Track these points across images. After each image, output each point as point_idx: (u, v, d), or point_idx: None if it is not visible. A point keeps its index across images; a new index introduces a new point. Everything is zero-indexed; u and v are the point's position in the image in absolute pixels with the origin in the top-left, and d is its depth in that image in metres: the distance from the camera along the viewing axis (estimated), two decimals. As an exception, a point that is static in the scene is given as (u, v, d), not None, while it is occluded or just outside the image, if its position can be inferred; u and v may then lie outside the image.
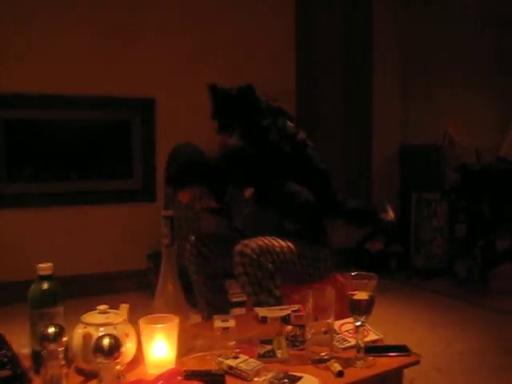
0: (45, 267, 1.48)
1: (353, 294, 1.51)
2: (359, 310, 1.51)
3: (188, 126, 4.22)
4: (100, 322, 1.48)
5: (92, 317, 1.51)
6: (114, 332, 1.42)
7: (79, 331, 1.46)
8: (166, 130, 4.21)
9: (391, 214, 2.43)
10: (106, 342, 1.27)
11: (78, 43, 3.96)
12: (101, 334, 1.40)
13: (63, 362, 1.35)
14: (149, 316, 1.53)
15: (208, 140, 4.16)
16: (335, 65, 4.91)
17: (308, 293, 1.57)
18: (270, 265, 2.18)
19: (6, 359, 1.46)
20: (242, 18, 4.44)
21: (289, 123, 2.39)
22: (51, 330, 1.33)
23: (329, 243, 2.45)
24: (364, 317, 1.52)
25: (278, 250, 2.24)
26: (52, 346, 1.32)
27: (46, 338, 1.32)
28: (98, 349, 1.27)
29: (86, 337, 1.44)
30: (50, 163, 4.01)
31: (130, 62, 4.10)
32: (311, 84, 4.75)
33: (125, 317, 1.56)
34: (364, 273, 1.55)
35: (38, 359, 1.44)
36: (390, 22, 5.00)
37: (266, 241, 2.24)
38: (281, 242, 2.27)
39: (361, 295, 1.50)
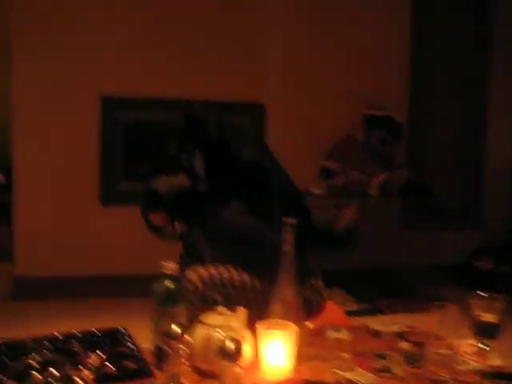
0: (169, 266, 1.53)
1: (480, 316, 1.44)
2: (486, 332, 1.44)
3: (297, 131, 4.24)
4: (219, 323, 1.51)
5: (212, 318, 1.54)
6: (232, 335, 1.44)
7: (199, 331, 1.50)
8: (276, 136, 4.24)
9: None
10: (229, 344, 1.29)
11: (192, 48, 4.09)
12: (217, 335, 1.44)
13: (184, 360, 1.39)
14: (266, 321, 1.53)
15: (319, 142, 4.21)
16: (448, 77, 4.74)
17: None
18: (218, 298, 2.01)
19: (129, 352, 1.53)
20: (356, 28, 4.40)
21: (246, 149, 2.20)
22: (175, 328, 1.37)
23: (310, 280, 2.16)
24: (490, 340, 1.45)
25: (227, 282, 2.04)
26: (175, 344, 1.36)
27: (170, 336, 1.36)
28: (222, 351, 1.29)
29: (206, 338, 1.47)
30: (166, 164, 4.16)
31: (242, 68, 4.17)
32: (424, 96, 4.62)
33: (242, 320, 1.58)
34: (491, 294, 1.48)
35: (159, 355, 1.49)
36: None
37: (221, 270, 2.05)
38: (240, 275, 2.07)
39: (489, 317, 1.43)
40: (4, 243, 3.93)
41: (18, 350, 1.51)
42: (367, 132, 4.22)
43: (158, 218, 2.20)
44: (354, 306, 3.73)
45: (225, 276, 2.04)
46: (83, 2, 3.90)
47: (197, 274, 2.00)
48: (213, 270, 2.04)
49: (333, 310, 2.42)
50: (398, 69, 4.48)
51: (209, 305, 1.91)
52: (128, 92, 3.95)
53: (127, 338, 1.62)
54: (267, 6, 4.19)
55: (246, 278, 2.06)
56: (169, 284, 1.52)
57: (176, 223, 2.17)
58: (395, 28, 4.47)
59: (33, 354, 1.45)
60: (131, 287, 3.87)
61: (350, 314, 3.40)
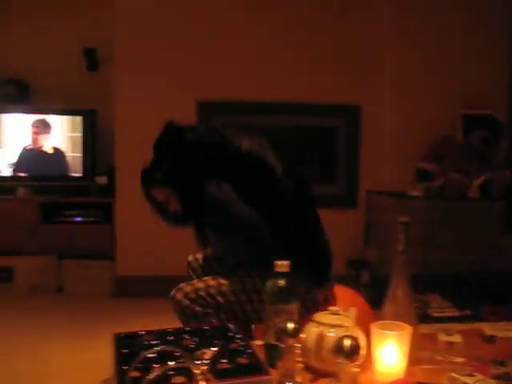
0: (282, 264, 1.54)
1: None
2: None
3: (393, 133, 4.16)
4: (332, 322, 1.50)
5: (324, 317, 1.53)
6: (344, 334, 1.43)
7: (312, 329, 1.49)
8: (371, 138, 4.20)
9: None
10: (347, 343, 1.28)
11: (287, 51, 4.11)
12: (330, 334, 1.43)
13: (299, 358, 1.39)
14: (379, 322, 1.51)
15: (415, 144, 4.12)
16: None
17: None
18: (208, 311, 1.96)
19: (242, 348, 1.54)
20: (458, 27, 4.27)
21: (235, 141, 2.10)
22: (291, 325, 1.37)
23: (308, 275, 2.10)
24: None
25: (214, 291, 1.99)
26: (290, 341, 1.36)
27: (285, 333, 1.37)
28: (339, 349, 1.28)
29: (320, 336, 1.46)
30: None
31: (337, 70, 4.15)
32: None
33: (354, 320, 1.56)
34: None
35: (271, 352, 1.50)
36: None
37: (201, 284, 2.01)
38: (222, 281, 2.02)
39: None
40: (107, 243, 4.09)
41: (136, 342, 1.56)
42: (467, 132, 4.08)
43: (158, 194, 2.20)
44: (455, 313, 3.60)
45: (211, 285, 2.01)
46: (181, 16, 4.02)
47: (182, 293, 1.98)
48: (198, 284, 2.01)
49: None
50: (499, 68, 4.31)
51: (202, 322, 1.93)
52: (224, 96, 4.03)
53: (237, 335, 1.64)
54: (367, 8, 4.15)
55: (235, 281, 2.02)
56: (281, 282, 1.53)
57: (171, 200, 2.16)
58: (496, 27, 4.30)
59: (151, 347, 1.50)
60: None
61: (451, 320, 3.30)
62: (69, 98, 4.31)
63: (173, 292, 2.01)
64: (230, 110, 4.07)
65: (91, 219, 4.16)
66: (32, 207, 4.09)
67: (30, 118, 4.20)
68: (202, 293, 1.98)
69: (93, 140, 4.21)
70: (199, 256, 2.47)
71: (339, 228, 4.15)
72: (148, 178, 2.21)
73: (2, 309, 3.78)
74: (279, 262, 1.54)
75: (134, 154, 3.99)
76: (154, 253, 4.04)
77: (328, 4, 4.14)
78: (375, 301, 3.84)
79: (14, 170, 4.19)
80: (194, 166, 2.09)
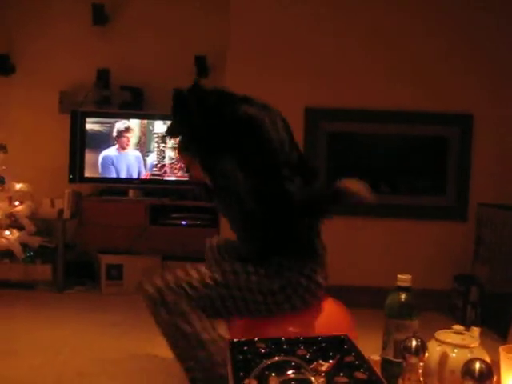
0: (404, 278, 1.49)
1: None
2: None
3: (506, 141, 3.97)
4: (456, 342, 1.43)
5: (447, 335, 1.46)
6: (469, 355, 1.36)
7: (436, 349, 1.43)
8: (484, 148, 4.01)
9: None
10: (478, 366, 1.21)
11: (396, 60, 4.02)
12: (454, 354, 1.36)
13: (421, 378, 1.33)
14: (508, 345, 1.42)
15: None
16: None
17: None
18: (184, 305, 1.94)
19: (358, 362, 1.50)
20: None
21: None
22: (414, 342, 1.32)
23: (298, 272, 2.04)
24: None
25: (195, 283, 1.97)
26: (413, 359, 1.31)
27: (408, 350, 1.32)
28: (469, 373, 1.22)
29: (443, 356, 1.40)
30: (364, 175, 4.12)
31: (447, 77, 4.00)
32: None
33: (478, 340, 1.48)
34: None
35: (390, 369, 1.45)
36: None
37: (182, 273, 2.00)
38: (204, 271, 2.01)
39: None
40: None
41: (250, 349, 1.57)
42: None
43: (195, 171, 2.21)
44: None
45: (181, 277, 1.99)
46: (291, 25, 4.03)
47: (151, 285, 1.98)
48: (169, 276, 2.00)
49: (333, 311, 2.21)
50: None
51: (173, 310, 1.93)
52: (332, 103, 4.00)
53: (353, 348, 1.60)
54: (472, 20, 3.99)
55: (206, 274, 2.01)
56: (404, 296, 1.48)
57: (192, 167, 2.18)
58: None
59: (267, 355, 1.49)
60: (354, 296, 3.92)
61: None
62: (179, 103, 4.43)
63: (143, 283, 2.03)
64: (338, 116, 4.03)
65: (197, 222, 4.26)
66: (141, 209, 4.25)
67: (142, 124, 4.36)
68: (170, 284, 1.98)
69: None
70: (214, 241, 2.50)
71: (448, 241, 4.02)
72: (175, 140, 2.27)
73: (113, 305, 3.94)
74: (401, 276, 1.49)
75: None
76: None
77: (437, 6, 4.00)
78: (484, 319, 3.68)
79: (126, 173, 4.37)
80: (209, 134, 2.08)
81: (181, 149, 2.24)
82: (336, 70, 4.03)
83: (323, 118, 4.02)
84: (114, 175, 4.37)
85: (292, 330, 2.05)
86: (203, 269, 2.06)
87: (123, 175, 4.38)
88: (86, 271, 4.45)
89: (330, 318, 2.15)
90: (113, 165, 4.36)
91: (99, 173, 4.37)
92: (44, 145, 4.57)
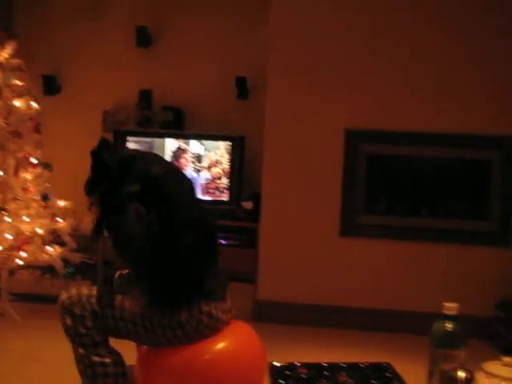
0: (451, 307, 1.47)
1: None
2: None
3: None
4: (505, 375, 1.39)
5: (495, 368, 1.43)
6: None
7: (484, 381, 1.40)
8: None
9: None
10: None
11: (434, 82, 3.99)
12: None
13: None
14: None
15: None
16: None
17: None
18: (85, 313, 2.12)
19: (402, 392, 1.48)
20: None
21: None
22: (463, 374, 1.29)
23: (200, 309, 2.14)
24: None
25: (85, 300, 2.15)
26: (461, 391, 1.29)
27: (455, 382, 1.29)
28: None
29: (492, 388, 1.37)
30: (403, 198, 4.10)
31: (488, 98, 3.94)
32: None
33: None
34: None
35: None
36: None
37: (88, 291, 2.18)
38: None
39: None
40: (249, 266, 4.17)
41: (292, 374, 1.56)
42: None
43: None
44: None
45: (93, 294, 2.16)
46: (330, 46, 4.04)
47: (66, 293, 2.19)
48: (84, 291, 2.18)
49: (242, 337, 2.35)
50: None
51: (77, 323, 2.11)
52: (372, 125, 3.99)
53: (395, 375, 1.58)
54: None
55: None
56: (450, 325, 1.45)
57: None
58: None
59: (309, 380, 1.48)
60: (373, 320, 3.89)
61: None
62: (219, 124, 4.49)
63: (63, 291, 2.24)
64: (378, 138, 4.01)
65: (236, 243, 4.27)
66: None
67: (183, 144, 4.42)
68: (83, 298, 2.15)
69: (240, 166, 4.34)
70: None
71: (489, 267, 3.94)
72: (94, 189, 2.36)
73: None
74: (448, 304, 1.47)
75: (279, 180, 4.09)
76: (297, 279, 4.05)
77: (479, 31, 3.96)
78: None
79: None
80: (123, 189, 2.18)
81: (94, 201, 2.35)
82: (376, 91, 4.01)
83: (363, 139, 4.01)
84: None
85: (194, 356, 2.16)
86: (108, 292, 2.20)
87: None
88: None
89: (237, 345, 2.31)
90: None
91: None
92: (87, 163, 4.65)
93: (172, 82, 4.68)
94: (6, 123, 3.69)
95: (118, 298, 2.17)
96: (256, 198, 4.20)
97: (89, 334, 2.16)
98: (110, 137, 4.38)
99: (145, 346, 2.27)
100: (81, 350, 2.16)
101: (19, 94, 3.78)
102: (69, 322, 2.16)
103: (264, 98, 4.13)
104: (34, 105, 3.83)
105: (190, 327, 2.15)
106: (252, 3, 4.52)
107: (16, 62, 3.80)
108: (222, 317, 2.26)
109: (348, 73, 4.04)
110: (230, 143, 4.36)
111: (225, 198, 4.39)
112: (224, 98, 4.61)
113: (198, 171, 4.43)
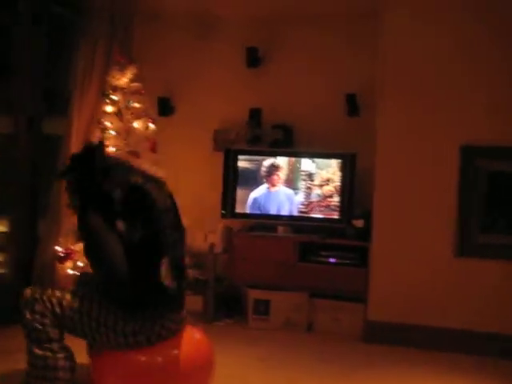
0: None
1: None
2: None
3: None
4: None
5: None
6: None
7: None
8: None
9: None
10: None
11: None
12: None
13: None
14: None
15: None
16: None
17: None
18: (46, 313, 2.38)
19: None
20: None
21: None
22: None
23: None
24: None
25: (64, 303, 2.40)
26: None
27: None
28: None
29: None
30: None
31: None
32: None
33: None
34: None
35: None
36: None
37: (59, 292, 2.43)
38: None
39: None
40: (360, 286, 4.09)
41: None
42: None
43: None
44: None
45: (55, 294, 2.43)
46: (445, 60, 3.92)
47: (30, 290, 2.47)
48: (48, 290, 2.46)
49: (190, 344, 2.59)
50: None
51: (35, 319, 2.38)
52: (491, 141, 3.81)
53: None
54: None
55: (77, 300, 2.40)
56: None
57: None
58: None
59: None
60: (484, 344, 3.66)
61: None
62: (329, 142, 4.47)
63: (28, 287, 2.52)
64: (499, 154, 3.82)
65: (346, 261, 4.21)
66: (290, 245, 4.29)
67: (291, 162, 4.44)
68: (45, 297, 2.41)
69: (351, 183, 4.28)
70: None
71: None
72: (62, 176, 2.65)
73: (259, 340, 3.98)
74: None
75: (391, 198, 4.00)
76: (409, 300, 3.94)
77: None
78: None
79: (275, 210, 4.45)
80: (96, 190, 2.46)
81: (68, 190, 2.59)
82: (493, 105, 3.83)
83: (481, 156, 3.83)
84: (263, 212, 4.47)
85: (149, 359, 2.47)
86: (77, 294, 2.44)
87: (273, 212, 4.46)
88: (234, 304, 4.55)
89: (188, 348, 2.58)
90: (262, 202, 4.46)
91: (249, 209, 4.49)
92: (199, 181, 4.80)
93: (281, 100, 4.73)
94: (126, 144, 3.88)
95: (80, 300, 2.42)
96: (367, 216, 4.12)
97: (44, 331, 2.39)
98: (221, 155, 4.53)
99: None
100: (34, 344, 2.39)
101: (138, 115, 3.97)
102: (28, 316, 2.40)
103: (375, 114, 4.07)
104: (152, 126, 4.01)
105: (143, 337, 2.39)
106: (360, 20, 4.47)
107: (135, 85, 4.00)
108: (175, 327, 2.51)
109: (461, 88, 3.89)
110: (341, 160, 4.32)
111: (336, 215, 4.34)
112: (334, 115, 4.58)
113: (309, 189, 4.42)
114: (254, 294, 4.33)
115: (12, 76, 4.11)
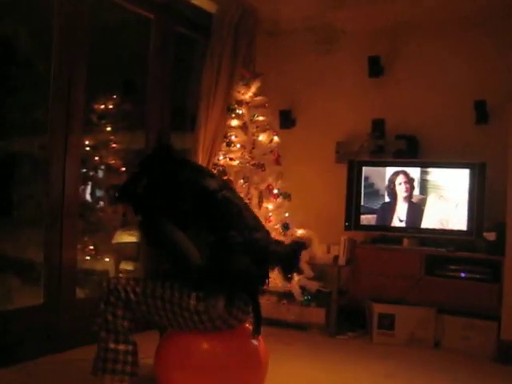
0: None
1: None
2: None
3: None
4: None
5: None
6: None
7: None
8: None
9: None
10: None
11: None
12: None
13: None
14: None
15: None
16: None
17: None
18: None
19: None
20: None
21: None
22: None
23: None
24: None
25: (137, 290, 2.54)
26: None
27: None
28: None
29: None
30: None
31: None
32: None
33: None
34: None
35: None
36: None
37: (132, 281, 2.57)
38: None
39: None
40: (492, 302, 3.87)
41: None
42: None
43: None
44: None
45: (129, 283, 2.57)
46: None
47: (107, 281, 2.59)
48: (122, 280, 2.59)
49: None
50: None
51: (110, 310, 2.52)
52: None
53: None
54: None
55: (149, 285, 2.54)
56: None
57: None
58: None
59: None
60: None
61: None
62: (456, 151, 4.30)
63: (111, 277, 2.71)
64: None
65: (476, 276, 4.00)
66: (416, 258, 4.16)
67: (418, 172, 4.32)
68: (120, 287, 2.54)
69: (480, 194, 4.08)
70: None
71: None
72: (127, 192, 2.69)
73: (384, 355, 3.88)
74: None
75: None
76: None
77: None
78: None
79: (400, 221, 4.34)
80: (175, 184, 2.57)
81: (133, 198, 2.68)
82: None
83: None
84: (388, 223, 4.38)
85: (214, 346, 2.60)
86: (148, 281, 2.57)
87: (397, 224, 4.35)
88: (357, 318, 4.48)
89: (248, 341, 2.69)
90: (387, 213, 4.37)
91: (373, 221, 4.41)
92: (322, 192, 4.80)
93: (405, 109, 4.63)
94: (251, 156, 3.96)
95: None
96: (500, 229, 3.90)
97: (114, 322, 2.51)
98: (343, 167, 4.49)
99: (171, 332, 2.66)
100: (102, 333, 2.51)
101: (262, 128, 4.05)
102: (102, 306, 2.54)
103: (506, 121, 3.85)
104: (276, 138, 4.07)
105: (206, 317, 2.49)
106: (488, 23, 4.28)
107: (260, 99, 4.09)
108: (241, 317, 2.62)
109: None
110: (470, 170, 4.13)
111: (463, 227, 4.16)
112: (461, 123, 4.41)
113: (436, 200, 4.27)
114: (378, 308, 4.23)
115: (144, 95, 4.34)
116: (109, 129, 4.31)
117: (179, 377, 2.60)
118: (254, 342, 2.72)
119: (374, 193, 4.42)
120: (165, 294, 2.53)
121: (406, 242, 4.33)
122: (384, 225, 4.39)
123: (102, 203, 4.52)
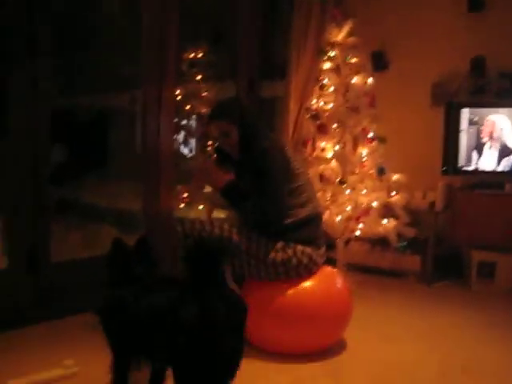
0: None
1: None
2: None
3: None
4: None
5: None
6: None
7: None
8: None
9: None
10: None
11: None
12: None
13: None
14: None
15: None
16: None
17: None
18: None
19: None
20: None
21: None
22: None
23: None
24: None
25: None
26: None
27: None
28: None
29: None
30: None
31: None
32: None
33: None
34: None
35: None
36: None
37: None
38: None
39: None
40: None
41: None
42: None
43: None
44: None
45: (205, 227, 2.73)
46: None
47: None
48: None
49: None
50: None
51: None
52: None
53: None
54: None
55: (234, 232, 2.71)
56: None
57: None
58: None
59: None
60: None
61: None
62: None
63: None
64: None
65: None
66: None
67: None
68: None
69: None
70: None
71: None
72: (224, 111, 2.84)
73: (484, 304, 3.76)
74: None
75: None
76: None
77: None
78: None
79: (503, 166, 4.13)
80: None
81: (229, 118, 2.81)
82: None
83: None
84: (488, 168, 4.17)
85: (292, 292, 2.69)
86: (234, 229, 2.71)
87: (498, 168, 4.13)
88: (453, 265, 4.34)
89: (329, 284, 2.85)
90: (487, 157, 4.16)
91: (473, 165, 4.20)
92: (417, 137, 4.60)
93: (508, 45, 4.30)
94: (345, 99, 3.85)
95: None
96: None
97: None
98: (440, 110, 4.28)
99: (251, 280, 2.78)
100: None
101: (356, 71, 3.91)
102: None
103: None
104: (370, 80, 3.92)
105: (291, 265, 2.64)
106: None
107: (352, 40, 3.93)
108: (319, 261, 2.75)
109: None
110: None
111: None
112: None
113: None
114: (478, 256, 4.08)
115: (233, 44, 4.30)
116: (199, 77, 4.28)
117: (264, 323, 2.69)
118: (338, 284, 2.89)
119: (473, 136, 4.19)
120: (245, 246, 2.68)
121: (508, 187, 4.11)
122: (484, 169, 4.18)
123: (194, 152, 4.55)
